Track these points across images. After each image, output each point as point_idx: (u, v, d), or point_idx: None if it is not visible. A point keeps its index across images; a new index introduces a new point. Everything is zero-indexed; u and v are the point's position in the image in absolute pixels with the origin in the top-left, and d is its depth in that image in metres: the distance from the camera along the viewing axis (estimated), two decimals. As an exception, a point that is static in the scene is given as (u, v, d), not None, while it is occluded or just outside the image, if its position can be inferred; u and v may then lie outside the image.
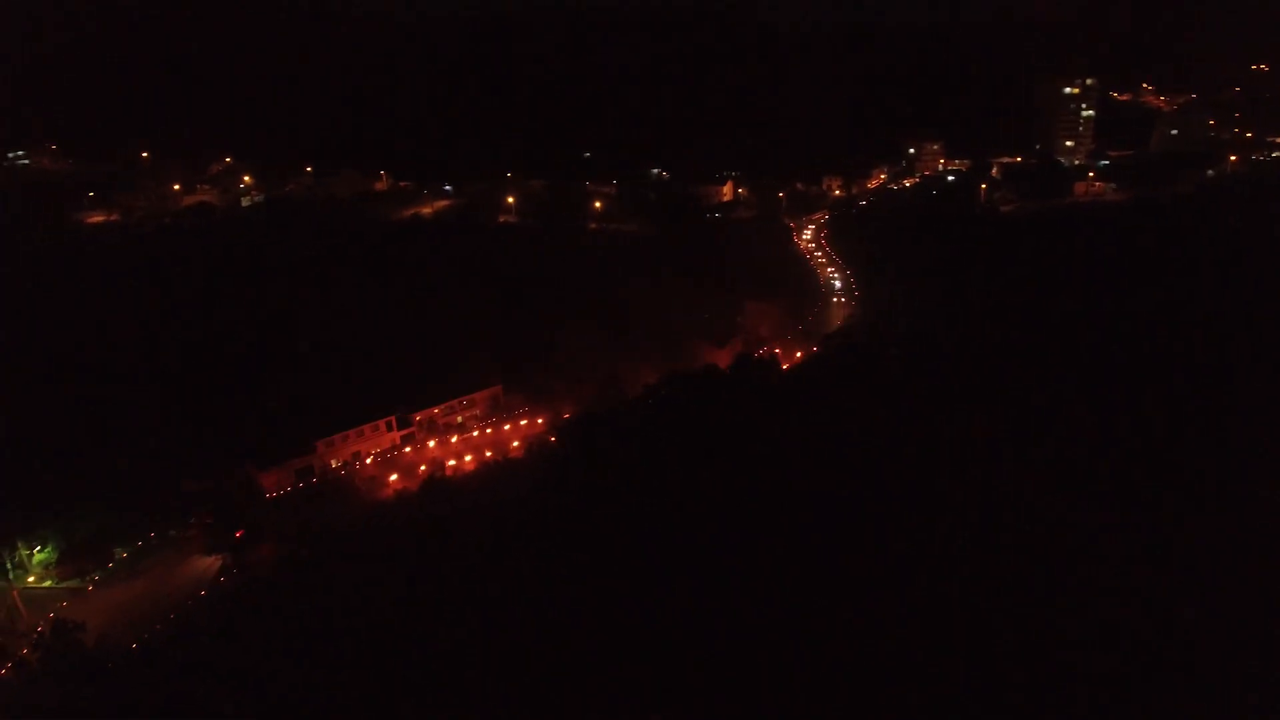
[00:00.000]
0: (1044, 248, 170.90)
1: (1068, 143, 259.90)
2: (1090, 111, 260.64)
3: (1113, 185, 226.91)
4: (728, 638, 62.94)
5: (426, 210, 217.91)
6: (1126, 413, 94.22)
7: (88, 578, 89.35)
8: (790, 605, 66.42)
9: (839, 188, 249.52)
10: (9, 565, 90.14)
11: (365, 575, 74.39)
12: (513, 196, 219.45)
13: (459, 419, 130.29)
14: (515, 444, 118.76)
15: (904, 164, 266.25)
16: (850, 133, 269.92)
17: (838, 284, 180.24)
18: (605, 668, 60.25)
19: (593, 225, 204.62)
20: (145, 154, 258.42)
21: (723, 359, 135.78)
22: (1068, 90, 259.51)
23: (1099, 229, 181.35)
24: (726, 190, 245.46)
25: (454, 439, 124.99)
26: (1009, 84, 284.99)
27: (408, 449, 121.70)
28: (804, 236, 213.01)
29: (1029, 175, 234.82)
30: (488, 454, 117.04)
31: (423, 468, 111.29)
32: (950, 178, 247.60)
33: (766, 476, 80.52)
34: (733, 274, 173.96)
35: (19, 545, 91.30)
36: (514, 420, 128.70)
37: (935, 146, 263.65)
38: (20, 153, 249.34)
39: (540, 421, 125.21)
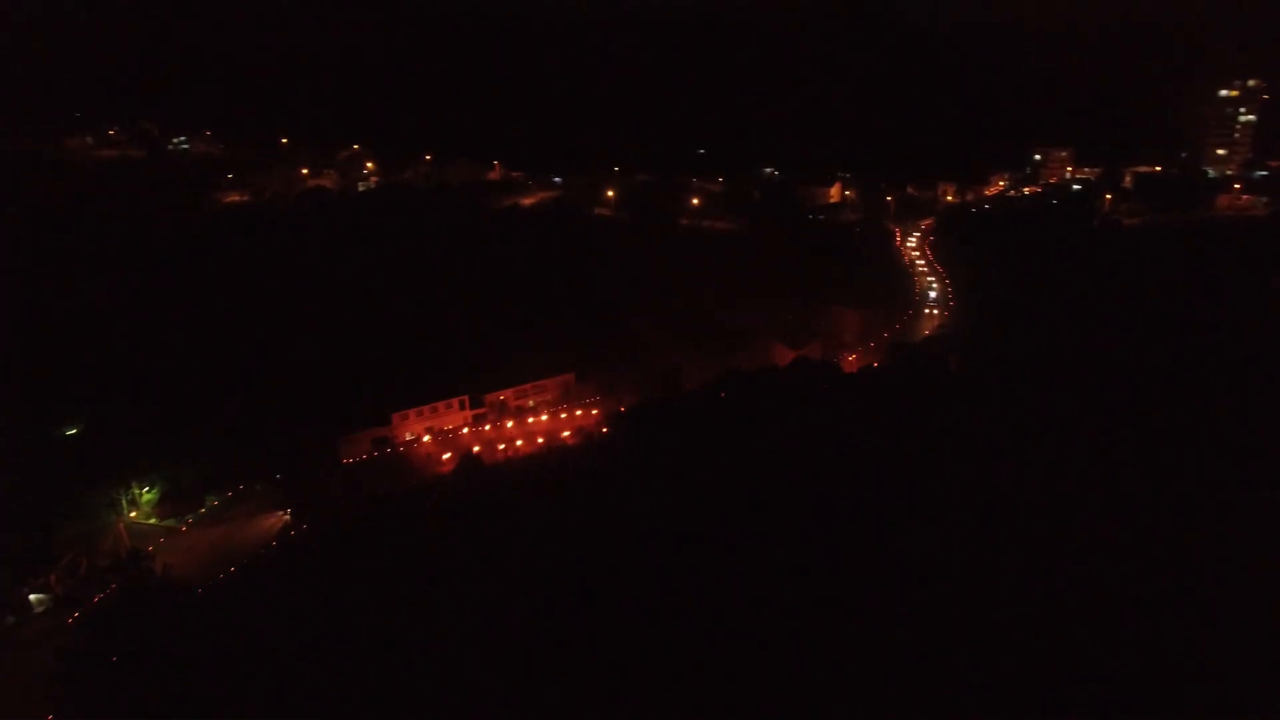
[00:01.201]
0: (1157, 264, 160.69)
1: (1219, 151, 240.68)
2: (1250, 117, 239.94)
3: (1263, 199, 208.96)
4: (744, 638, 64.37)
5: (527, 200, 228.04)
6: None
7: (183, 519, 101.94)
8: (796, 609, 67.70)
9: (953, 193, 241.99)
10: (124, 501, 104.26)
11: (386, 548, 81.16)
12: (613, 190, 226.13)
13: (530, 403, 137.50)
14: (566, 433, 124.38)
15: (1028, 171, 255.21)
16: (973, 137, 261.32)
17: (934, 294, 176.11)
18: (608, 666, 62.65)
19: (685, 221, 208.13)
20: (284, 140, 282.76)
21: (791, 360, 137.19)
22: (1224, 93, 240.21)
23: (1228, 246, 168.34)
24: (834, 191, 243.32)
25: (509, 423, 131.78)
26: (1155, 86, 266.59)
27: (486, 428, 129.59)
28: (908, 243, 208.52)
29: (1165, 185, 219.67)
30: (539, 440, 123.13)
31: (477, 448, 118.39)
32: (1075, 186, 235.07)
33: (791, 477, 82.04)
34: (823, 276, 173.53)
35: (133, 485, 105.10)
36: (583, 408, 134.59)
37: (1064, 153, 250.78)
38: (183, 138, 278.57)
39: (594, 412, 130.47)
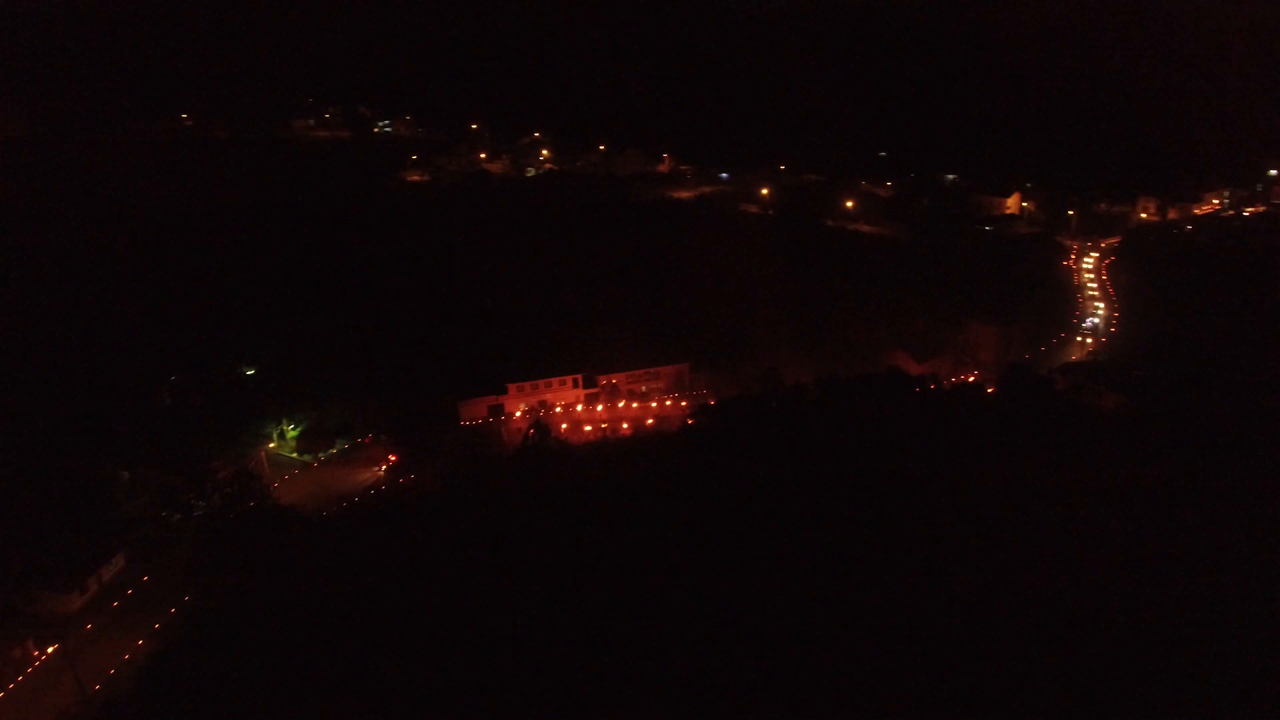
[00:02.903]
0: None
1: None
2: None
3: None
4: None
5: (683, 194, 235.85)
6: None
7: (315, 456, 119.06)
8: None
9: (1152, 210, 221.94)
10: (275, 434, 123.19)
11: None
12: (767, 188, 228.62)
13: (642, 388, 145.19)
14: (650, 421, 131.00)
15: (1258, 188, 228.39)
16: (1188, 145, 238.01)
17: (1095, 320, 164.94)
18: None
19: (830, 222, 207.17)
20: (474, 125, 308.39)
21: (916, 373, 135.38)
22: None
23: None
24: (1011, 202, 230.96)
25: (620, 404, 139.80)
26: None
27: (599, 408, 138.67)
28: (1083, 263, 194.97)
29: None
30: (623, 425, 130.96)
31: (564, 426, 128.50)
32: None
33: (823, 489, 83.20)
34: (973, 290, 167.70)
35: (284, 421, 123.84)
36: (690, 399, 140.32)
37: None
38: (387, 122, 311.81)
39: (683, 404, 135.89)
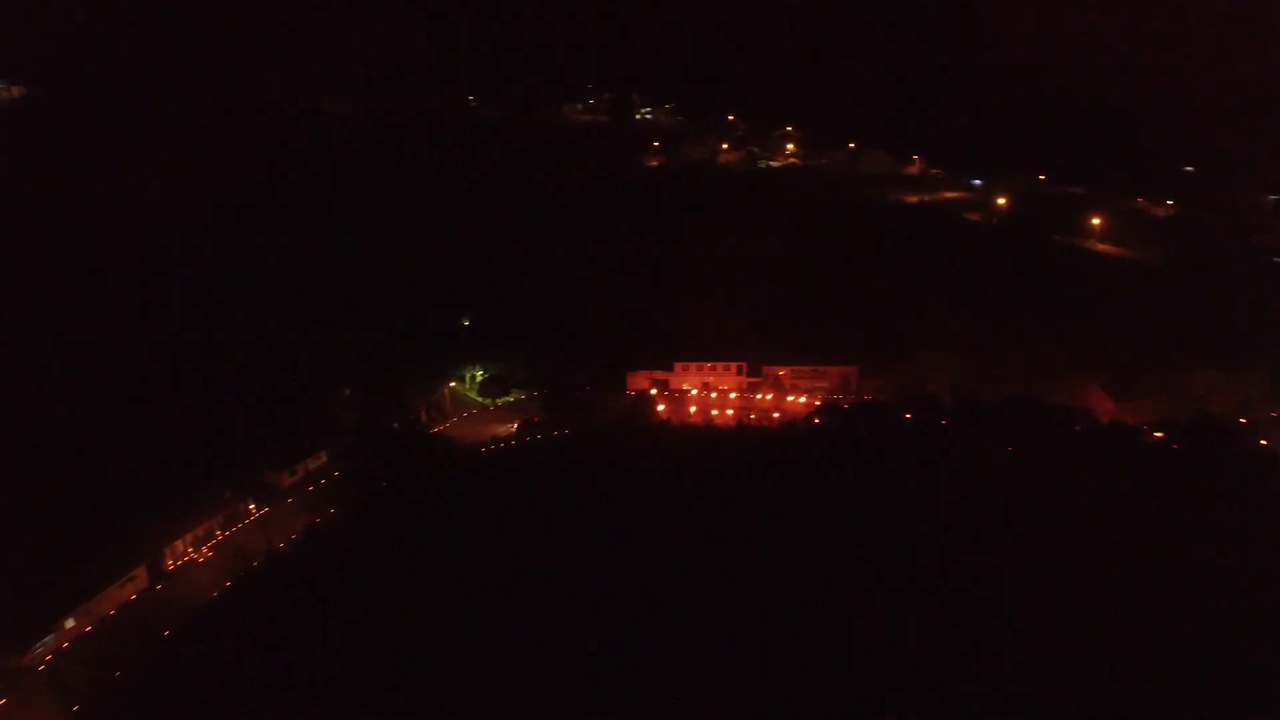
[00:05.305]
0: None
1: None
2: None
3: None
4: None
5: (912, 198, 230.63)
6: None
7: (491, 401, 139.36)
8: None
9: None
10: (467, 377, 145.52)
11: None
12: (1004, 197, 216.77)
13: (807, 386, 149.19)
14: (776, 414, 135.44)
15: None
16: None
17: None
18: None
19: (1057, 237, 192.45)
20: (731, 116, 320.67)
21: (1116, 414, 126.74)
22: None
23: None
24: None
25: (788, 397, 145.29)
26: None
27: (766, 397, 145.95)
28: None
29: None
30: (752, 416, 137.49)
31: (693, 409, 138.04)
32: None
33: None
34: (1210, 329, 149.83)
35: (474, 366, 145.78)
36: (852, 401, 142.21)
37: None
38: (648, 109, 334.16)
39: (816, 402, 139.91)
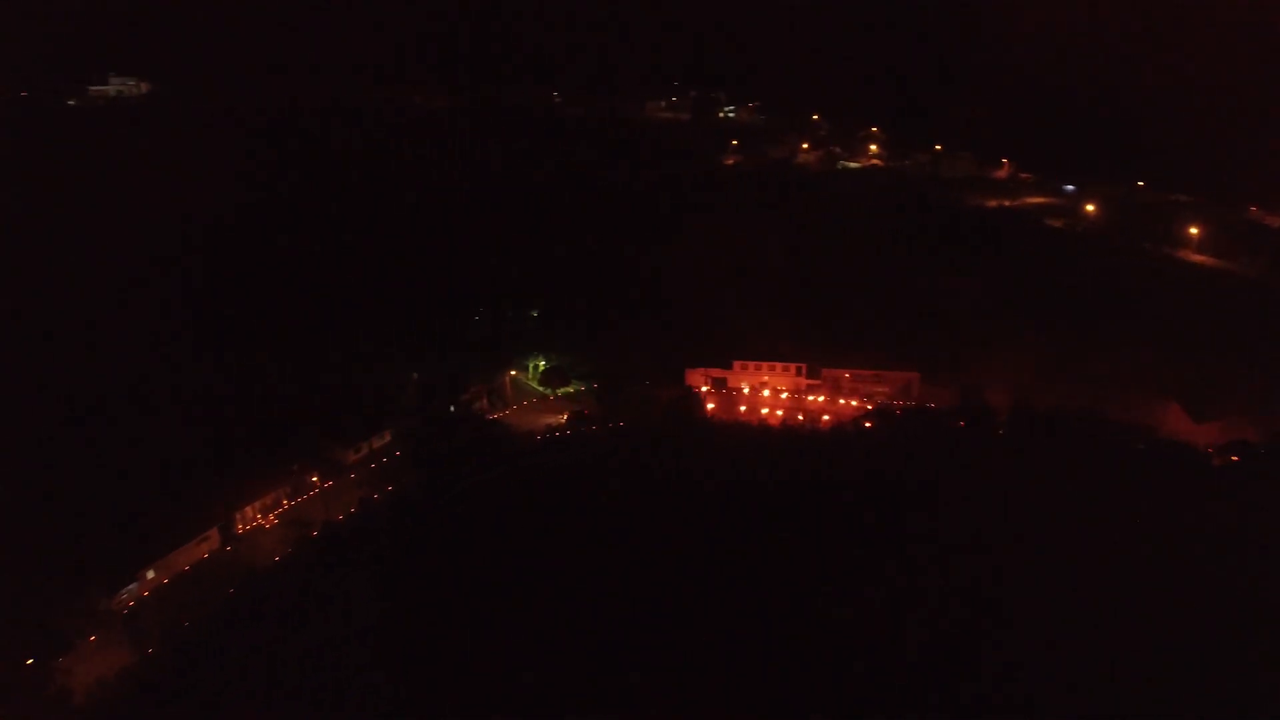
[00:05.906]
0: None
1: None
2: None
3: None
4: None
5: (992, 202, 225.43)
6: None
7: (551, 390, 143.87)
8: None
9: None
10: (530, 367, 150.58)
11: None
12: (1093, 203, 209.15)
13: (867, 390, 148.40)
14: (827, 417, 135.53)
15: None
16: None
17: None
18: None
19: (1147, 246, 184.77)
20: (815, 116, 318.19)
21: (1195, 435, 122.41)
22: None
23: None
24: None
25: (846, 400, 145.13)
26: None
27: (821, 399, 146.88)
28: None
29: None
30: (800, 417, 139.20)
31: (742, 408, 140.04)
32: None
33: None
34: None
35: (538, 356, 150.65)
36: (906, 407, 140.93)
37: None
38: (731, 108, 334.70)
39: (862, 404, 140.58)
